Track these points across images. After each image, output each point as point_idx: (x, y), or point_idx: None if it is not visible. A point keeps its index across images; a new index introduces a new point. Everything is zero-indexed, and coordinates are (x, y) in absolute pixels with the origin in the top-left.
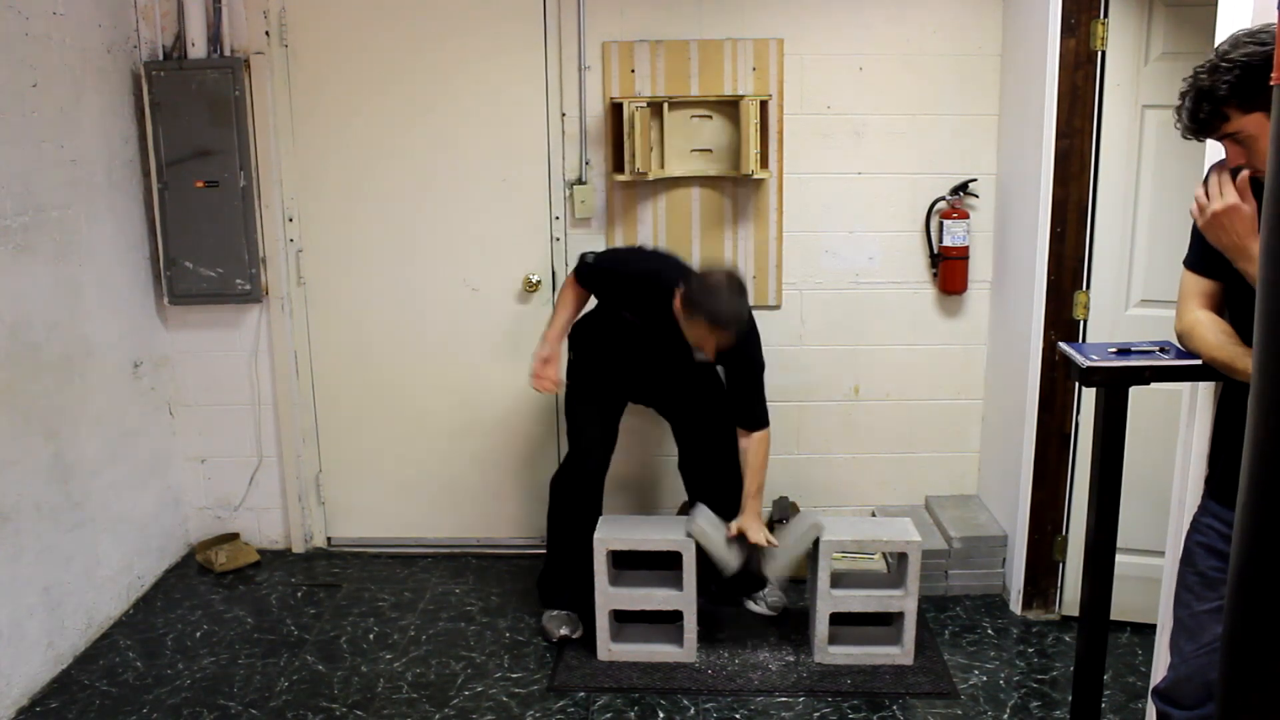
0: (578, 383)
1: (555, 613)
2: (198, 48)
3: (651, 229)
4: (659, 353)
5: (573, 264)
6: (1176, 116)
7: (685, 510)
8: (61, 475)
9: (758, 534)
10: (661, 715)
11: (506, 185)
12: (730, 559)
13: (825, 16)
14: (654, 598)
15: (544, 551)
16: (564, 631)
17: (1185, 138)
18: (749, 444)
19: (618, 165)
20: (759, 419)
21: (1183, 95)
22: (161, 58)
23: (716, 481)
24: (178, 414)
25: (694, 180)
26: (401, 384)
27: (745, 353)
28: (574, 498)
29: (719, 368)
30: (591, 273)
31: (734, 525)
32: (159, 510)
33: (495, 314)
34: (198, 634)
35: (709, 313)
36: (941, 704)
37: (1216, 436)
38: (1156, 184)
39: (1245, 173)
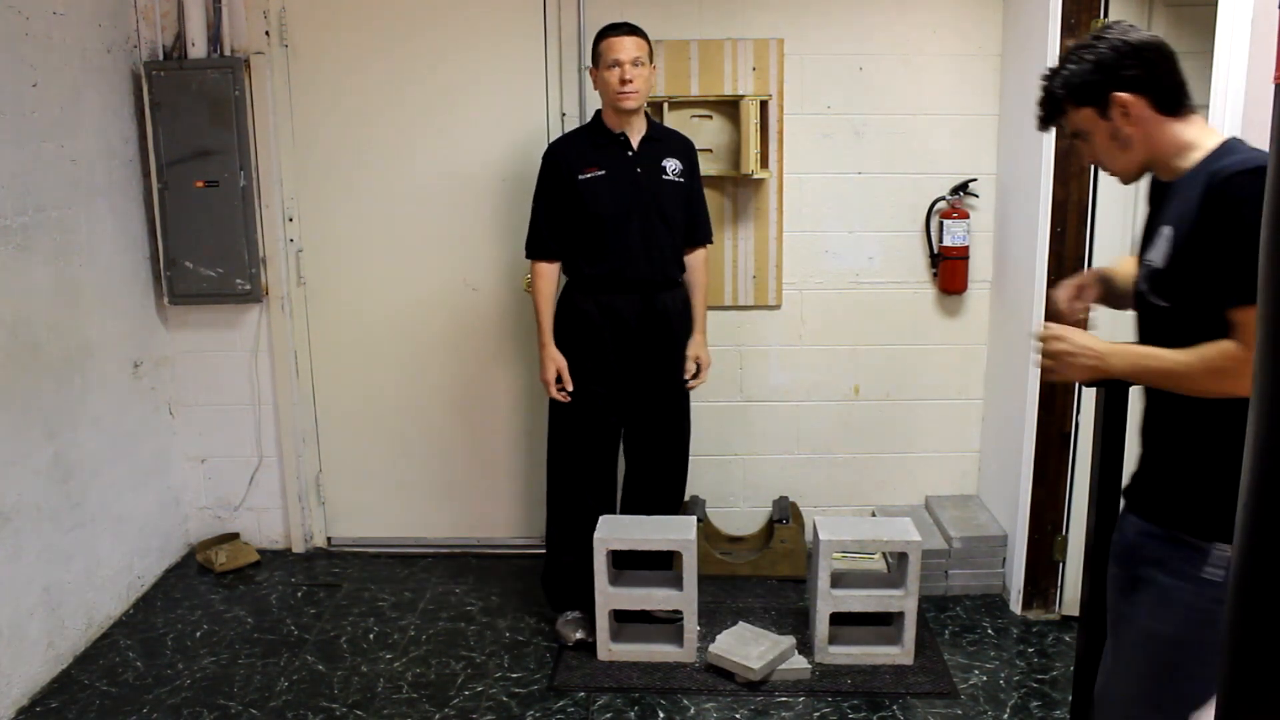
0: (563, 415)
1: (571, 615)
2: (198, 48)
3: None
4: (637, 210)
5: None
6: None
7: (687, 510)
8: (61, 475)
9: (705, 351)
10: (661, 715)
11: (507, 185)
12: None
13: (825, 16)
14: (654, 598)
15: (543, 551)
16: (580, 635)
17: (1038, 129)
18: (698, 260)
19: None
20: (710, 231)
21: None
22: (161, 58)
23: (661, 494)
24: (178, 414)
25: None
26: (401, 384)
27: (696, 159)
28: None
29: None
30: (536, 235)
31: (691, 353)
32: (159, 510)
33: (496, 314)
34: (198, 634)
35: (602, 31)
36: (941, 704)
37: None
38: None
39: (1073, 282)
